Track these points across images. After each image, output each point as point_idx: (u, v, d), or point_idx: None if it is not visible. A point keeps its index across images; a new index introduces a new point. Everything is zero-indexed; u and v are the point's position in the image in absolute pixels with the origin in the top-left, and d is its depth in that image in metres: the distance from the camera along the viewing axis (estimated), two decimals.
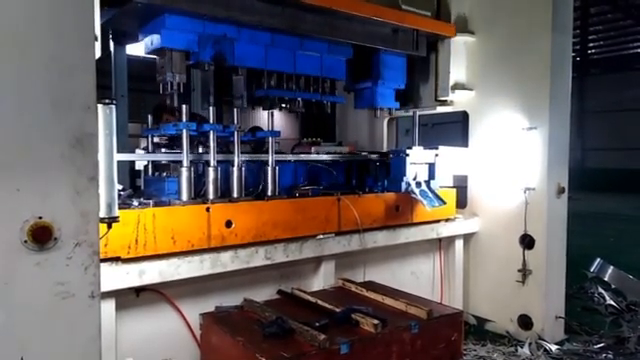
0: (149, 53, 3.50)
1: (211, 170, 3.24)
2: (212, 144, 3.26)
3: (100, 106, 2.22)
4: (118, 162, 2.46)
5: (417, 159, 4.35)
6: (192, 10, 3.23)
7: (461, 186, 4.85)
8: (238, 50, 3.54)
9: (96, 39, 2.46)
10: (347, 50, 4.22)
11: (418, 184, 4.26)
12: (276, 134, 3.64)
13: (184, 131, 3.17)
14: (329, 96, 4.19)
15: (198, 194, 3.29)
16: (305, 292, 3.49)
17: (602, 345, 4.19)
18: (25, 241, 1.64)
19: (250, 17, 3.47)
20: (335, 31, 3.94)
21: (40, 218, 1.66)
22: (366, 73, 4.57)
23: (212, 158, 3.26)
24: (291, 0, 3.53)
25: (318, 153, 4.21)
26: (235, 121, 3.38)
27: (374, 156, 4.56)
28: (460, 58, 4.82)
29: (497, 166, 4.59)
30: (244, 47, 3.58)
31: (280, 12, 3.58)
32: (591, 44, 23.22)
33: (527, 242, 4.37)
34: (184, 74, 3.39)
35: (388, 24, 4.23)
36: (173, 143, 3.65)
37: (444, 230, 4.49)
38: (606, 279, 5.68)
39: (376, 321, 2.86)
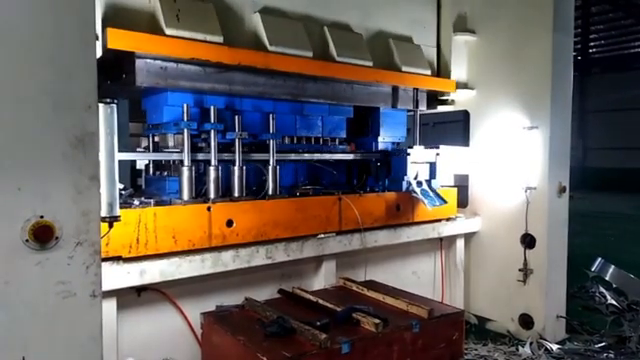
0: (151, 124, 3.54)
1: (212, 169, 3.24)
2: (213, 144, 3.26)
3: (101, 105, 2.23)
4: (119, 161, 2.47)
5: (418, 158, 4.35)
6: (194, 88, 3.27)
7: (462, 185, 4.84)
8: (241, 119, 3.54)
9: (97, 38, 2.47)
10: (348, 110, 4.29)
11: (419, 183, 4.25)
12: (277, 136, 3.64)
13: (185, 130, 3.17)
14: (330, 154, 4.24)
15: (199, 193, 3.29)
16: (306, 291, 3.49)
17: (603, 344, 4.19)
18: (26, 240, 1.64)
19: (252, 90, 3.50)
20: (337, 96, 4.00)
21: (41, 217, 1.66)
22: (366, 128, 4.61)
23: (213, 157, 3.26)
24: (293, 72, 3.57)
25: (319, 152, 4.21)
26: (236, 129, 3.38)
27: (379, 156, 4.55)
28: (461, 57, 4.82)
29: (498, 165, 4.59)
30: (247, 115, 3.62)
31: (282, 83, 3.63)
32: (592, 43, 23.20)
33: (528, 241, 4.37)
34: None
35: (389, 85, 4.30)
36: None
37: (445, 229, 4.49)
38: (607, 278, 5.68)
39: (377, 320, 2.86)
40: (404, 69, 4.32)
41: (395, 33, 4.48)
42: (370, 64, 4.02)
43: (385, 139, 4.56)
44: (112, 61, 3.00)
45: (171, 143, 3.41)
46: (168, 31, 3.02)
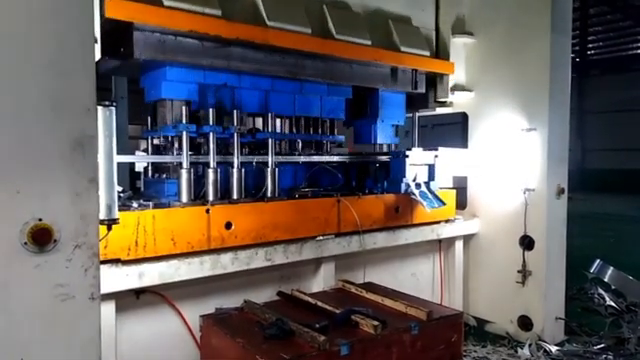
0: (150, 101, 3.54)
1: (211, 172, 3.24)
2: (212, 146, 3.26)
3: (100, 108, 2.22)
4: (118, 164, 2.46)
5: (417, 160, 4.36)
6: (193, 63, 3.25)
7: (461, 187, 4.85)
8: (239, 97, 3.57)
9: (96, 41, 2.47)
10: (347, 90, 4.27)
11: (418, 185, 4.26)
12: (276, 135, 3.64)
13: (184, 132, 3.17)
14: (329, 136, 4.25)
15: (198, 196, 3.29)
16: (305, 293, 3.49)
17: (602, 346, 4.20)
18: (25, 243, 1.64)
19: (250, 66, 3.49)
20: (335, 75, 3.98)
21: (40, 220, 1.66)
22: (365, 110, 4.60)
23: (212, 160, 3.26)
24: (291, 49, 3.56)
25: (318, 154, 4.22)
26: (235, 123, 3.38)
27: (378, 157, 4.56)
28: (459, 59, 4.83)
29: (497, 167, 4.60)
30: (245, 93, 3.62)
31: (280, 60, 3.61)
32: (590, 45, 23.28)
33: (527, 243, 4.37)
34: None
35: (387, 65, 4.28)
36: (173, 145, 3.65)
37: (444, 231, 4.49)
38: (606, 280, 5.68)
39: (376, 322, 2.86)
40: (403, 49, 4.30)
41: (394, 13, 4.45)
42: (369, 43, 4.00)
43: (384, 121, 4.54)
44: (111, 34, 2.95)
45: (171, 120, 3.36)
46: (167, 2, 3.00)
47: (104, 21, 2.73)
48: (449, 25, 4.80)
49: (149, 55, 3.05)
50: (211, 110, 3.31)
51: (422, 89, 4.63)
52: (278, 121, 3.94)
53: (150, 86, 3.53)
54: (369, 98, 4.55)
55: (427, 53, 4.52)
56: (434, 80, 4.81)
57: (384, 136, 4.61)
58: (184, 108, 3.24)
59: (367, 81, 4.22)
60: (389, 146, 4.71)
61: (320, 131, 4.20)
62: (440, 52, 4.84)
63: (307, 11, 3.72)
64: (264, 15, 3.47)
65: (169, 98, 3.35)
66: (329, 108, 4.18)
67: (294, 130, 4.06)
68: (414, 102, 4.92)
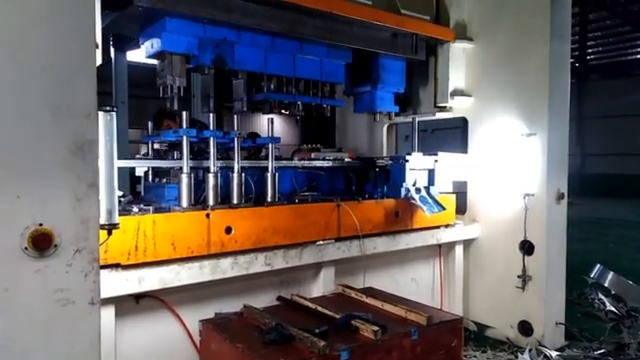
0: (149, 57, 3.51)
1: (211, 176, 3.25)
2: (212, 150, 3.27)
3: (101, 113, 2.23)
4: (118, 168, 2.47)
5: (416, 165, 4.36)
6: (193, 14, 3.25)
7: (460, 192, 4.85)
8: (238, 53, 3.56)
9: (97, 46, 2.48)
10: (346, 54, 4.24)
11: (417, 190, 4.26)
12: (276, 140, 3.65)
13: (184, 137, 3.18)
14: (328, 100, 4.21)
15: (198, 200, 3.29)
16: (305, 298, 3.49)
17: (602, 351, 4.18)
18: (25, 248, 1.64)
19: (250, 20, 3.47)
20: (335, 35, 3.95)
21: (40, 225, 1.66)
22: (365, 77, 4.57)
23: (212, 164, 3.27)
24: (291, 3, 3.55)
25: (318, 159, 4.22)
26: (235, 127, 3.39)
27: (378, 162, 4.56)
28: (459, 64, 4.84)
29: (496, 172, 4.60)
30: (244, 50, 3.60)
31: (280, 15, 3.60)
32: (590, 50, 23.32)
33: (527, 248, 4.36)
34: (184, 77, 3.40)
35: (387, 28, 4.25)
36: (173, 149, 3.66)
37: (444, 236, 4.49)
38: (606, 285, 5.67)
39: (376, 327, 2.85)
40: (403, 12, 4.28)
41: None
42: (369, 3, 3.99)
43: (385, 87, 4.53)
44: None
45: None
46: None
47: None
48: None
49: (148, 3, 3.02)
50: (211, 115, 3.32)
51: (422, 56, 4.60)
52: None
53: (149, 40, 3.48)
54: (369, 64, 4.51)
55: (428, 18, 4.50)
56: (434, 49, 4.79)
57: (384, 103, 4.60)
58: (185, 114, 3.22)
59: (367, 44, 4.19)
60: (389, 114, 4.72)
61: (320, 94, 4.14)
62: (440, 18, 4.81)
63: None
64: None
65: (169, 51, 3.31)
66: (329, 71, 4.12)
67: (293, 92, 3.97)
68: (413, 103, 4.92)
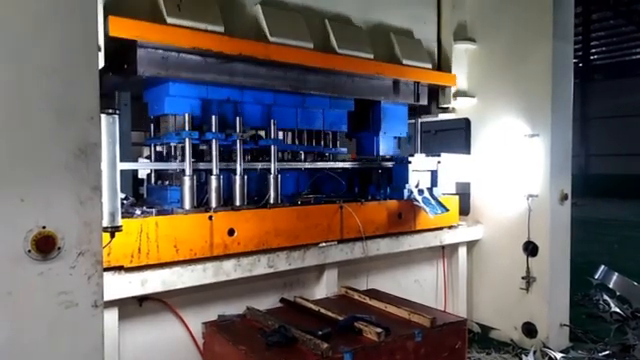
0: (153, 116, 3.56)
1: (213, 178, 3.25)
2: (214, 153, 3.27)
3: (103, 116, 2.24)
4: (121, 171, 2.48)
5: (419, 166, 4.36)
6: (196, 79, 3.29)
7: (464, 193, 4.84)
8: (242, 111, 3.58)
9: (99, 49, 2.49)
10: (349, 103, 4.30)
11: (421, 191, 4.25)
12: (278, 143, 3.65)
13: (187, 140, 3.18)
14: (331, 149, 4.27)
15: (201, 203, 3.29)
16: (308, 300, 3.48)
17: (607, 353, 4.16)
18: (29, 251, 1.64)
19: (253, 81, 3.52)
20: (337, 88, 4.01)
21: (44, 228, 1.67)
22: (367, 123, 4.61)
23: (214, 166, 3.27)
24: (294, 64, 3.59)
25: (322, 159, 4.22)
26: (237, 129, 3.40)
27: (381, 164, 4.56)
28: (461, 66, 4.84)
29: (500, 173, 4.59)
30: (248, 108, 3.65)
31: (282, 75, 3.64)
32: (593, 50, 23.27)
33: (531, 249, 4.35)
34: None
35: (389, 78, 4.30)
36: (176, 152, 3.66)
37: (447, 237, 4.48)
38: (611, 286, 5.64)
39: (379, 329, 2.85)
40: (405, 62, 4.33)
41: (395, 26, 4.49)
42: (371, 57, 4.04)
43: (387, 133, 4.56)
44: (114, 52, 2.99)
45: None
46: (169, 20, 3.04)
47: (108, 39, 2.76)
48: (451, 37, 4.82)
49: (152, 72, 3.08)
50: (214, 117, 3.33)
51: (424, 101, 4.66)
52: (281, 133, 3.96)
53: (153, 101, 3.57)
54: (371, 110, 4.57)
55: (429, 65, 4.56)
56: (436, 91, 4.84)
57: (386, 148, 4.63)
58: (187, 117, 3.25)
59: (369, 94, 4.26)
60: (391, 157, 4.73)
61: (323, 143, 4.22)
62: (442, 64, 4.88)
63: (309, 26, 3.76)
64: (266, 31, 3.52)
65: (172, 113, 3.38)
66: (331, 121, 4.21)
67: (297, 142, 4.07)
68: (416, 109, 4.93)
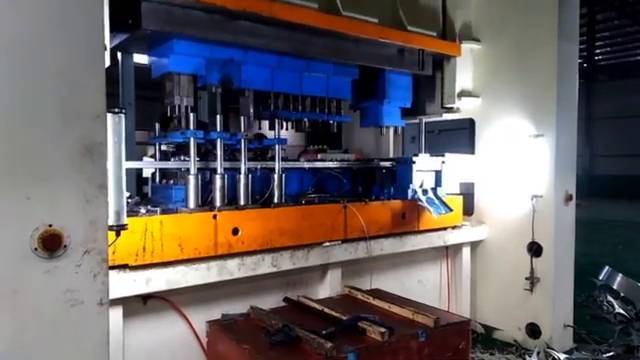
0: (157, 77, 3.54)
1: (218, 178, 3.26)
2: (219, 152, 3.28)
3: (109, 115, 2.24)
4: (126, 170, 2.48)
5: (423, 166, 4.35)
6: (200, 36, 3.27)
7: (468, 193, 4.83)
8: (245, 73, 3.57)
9: (105, 48, 2.50)
10: (353, 71, 4.25)
11: (425, 191, 4.25)
12: (283, 142, 3.66)
13: (191, 139, 3.19)
14: (335, 116, 4.23)
15: (205, 202, 3.30)
16: (311, 300, 3.49)
17: (611, 354, 4.14)
18: (35, 249, 1.65)
19: (257, 41, 3.49)
20: (341, 53, 3.97)
21: (50, 226, 1.67)
22: (372, 92, 4.57)
23: (219, 166, 3.28)
24: (298, 24, 3.56)
25: (325, 160, 4.22)
26: (242, 129, 3.40)
27: (384, 163, 4.55)
28: (466, 65, 4.83)
29: (504, 173, 4.58)
30: (251, 70, 3.62)
31: (287, 36, 3.61)
32: (598, 50, 23.19)
33: (535, 250, 4.34)
34: (192, 97, 3.42)
35: (394, 45, 4.25)
36: (181, 151, 3.68)
37: (451, 238, 4.48)
38: (615, 287, 5.61)
39: (383, 329, 2.85)
40: (410, 29, 4.27)
41: None
42: (376, 21, 3.99)
43: (391, 102, 4.53)
44: (118, 8, 2.93)
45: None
46: None
47: None
48: (455, 5, 4.74)
49: (156, 26, 3.05)
50: (218, 117, 3.33)
51: (429, 71, 4.60)
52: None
53: (157, 60, 3.52)
54: (375, 79, 4.52)
55: (434, 33, 4.49)
56: (441, 62, 4.78)
57: (390, 118, 4.59)
58: (192, 116, 3.24)
59: (373, 60, 4.19)
60: (395, 128, 4.76)
61: (327, 111, 4.15)
62: (447, 33, 4.79)
63: None
64: None
65: (176, 72, 3.34)
66: (335, 88, 4.14)
67: (300, 108, 3.98)
68: (420, 107, 4.92)
